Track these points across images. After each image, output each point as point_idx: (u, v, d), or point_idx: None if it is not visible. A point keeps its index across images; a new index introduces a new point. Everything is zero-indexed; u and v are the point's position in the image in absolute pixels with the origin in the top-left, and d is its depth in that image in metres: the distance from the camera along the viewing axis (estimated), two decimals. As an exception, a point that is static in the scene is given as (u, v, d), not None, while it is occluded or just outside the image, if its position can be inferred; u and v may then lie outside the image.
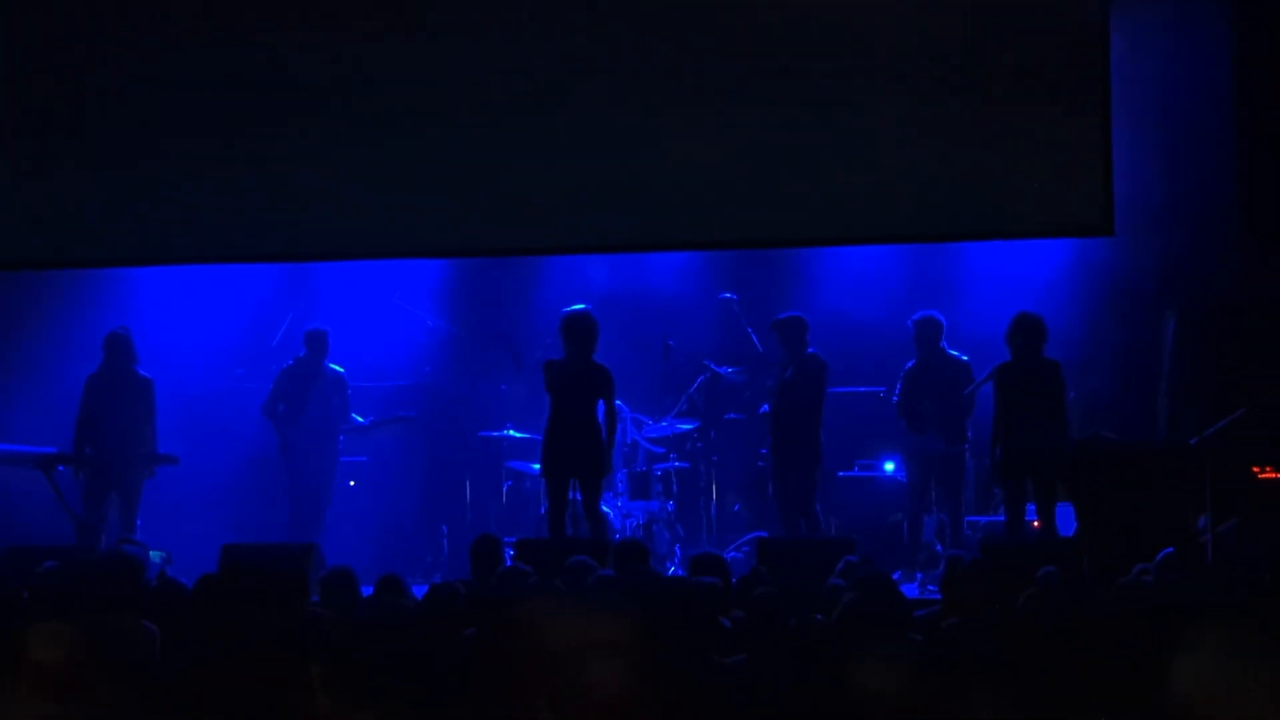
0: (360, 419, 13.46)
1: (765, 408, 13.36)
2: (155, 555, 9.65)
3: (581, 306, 12.96)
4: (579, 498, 12.46)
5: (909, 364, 12.91)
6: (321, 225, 12.91)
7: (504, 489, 14.25)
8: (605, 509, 12.50)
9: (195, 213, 12.89)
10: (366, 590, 8.40)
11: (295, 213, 12.92)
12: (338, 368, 13.48)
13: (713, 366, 13.71)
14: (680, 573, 12.70)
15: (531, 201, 12.47)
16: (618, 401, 12.53)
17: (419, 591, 8.60)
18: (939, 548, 12.79)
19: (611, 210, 12.45)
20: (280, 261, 14.47)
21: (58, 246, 13.35)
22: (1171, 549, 8.19)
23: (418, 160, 12.68)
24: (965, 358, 12.81)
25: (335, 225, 12.89)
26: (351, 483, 14.38)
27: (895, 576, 10.61)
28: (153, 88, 12.90)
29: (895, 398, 13.00)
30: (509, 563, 9.32)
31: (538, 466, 13.64)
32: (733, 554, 12.96)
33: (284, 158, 12.83)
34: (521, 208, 12.50)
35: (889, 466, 13.41)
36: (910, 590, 11.70)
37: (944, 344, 12.81)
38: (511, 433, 14.08)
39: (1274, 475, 12.41)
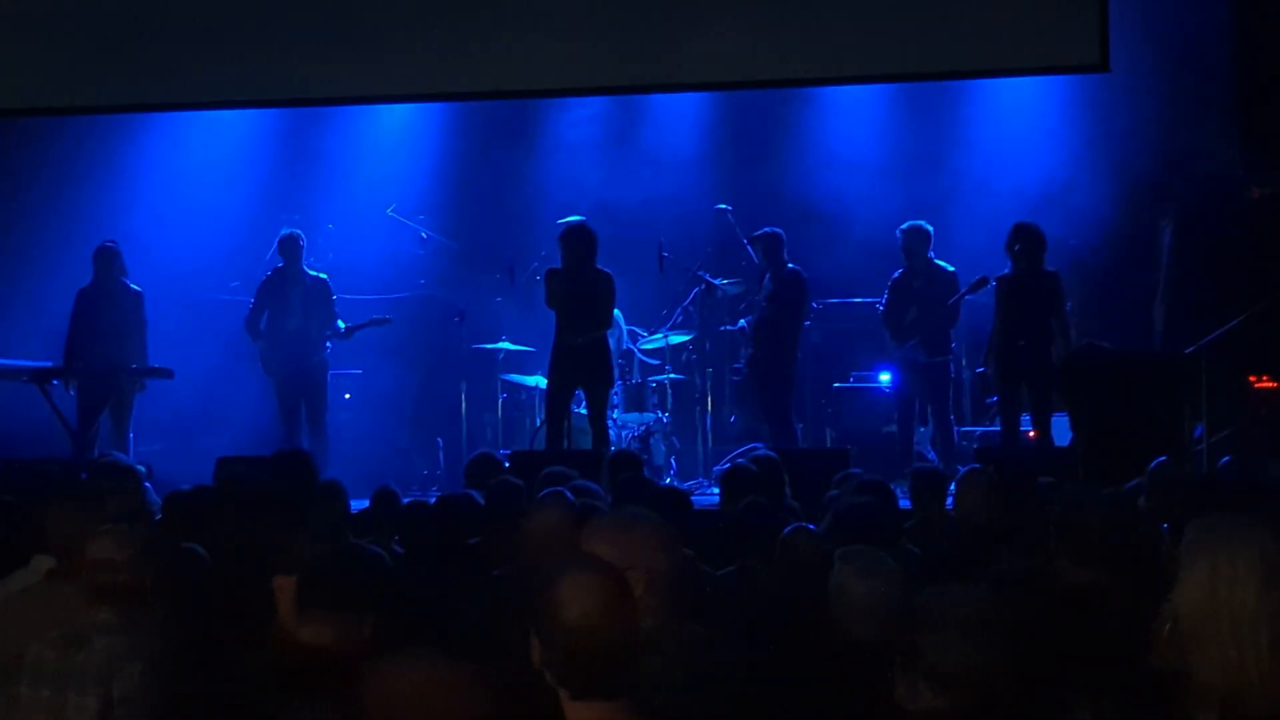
0: (341, 324, 13.31)
1: (743, 323, 13.40)
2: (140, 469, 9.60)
3: (578, 218, 12.92)
4: (576, 410, 12.49)
5: (895, 273, 12.90)
6: (318, 64, 12.56)
7: (499, 402, 14.25)
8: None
9: (189, 53, 12.57)
10: (362, 503, 8.40)
11: (290, 52, 12.53)
12: (320, 274, 13.35)
13: (707, 278, 13.67)
14: (677, 484, 12.74)
15: (529, 41, 12.19)
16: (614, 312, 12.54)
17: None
18: (931, 456, 12.82)
19: (608, 50, 12.24)
20: (269, 106, 14.33)
21: (45, 91, 13.02)
22: (1164, 458, 8.15)
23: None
24: (952, 268, 12.78)
25: (333, 64, 12.55)
26: (346, 395, 14.38)
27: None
28: None
29: (880, 307, 13.01)
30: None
31: (533, 379, 13.66)
32: (728, 465, 12.97)
33: None
34: (519, 47, 12.23)
35: (884, 378, 13.40)
36: (904, 501, 11.72)
37: (931, 254, 12.79)
38: (506, 345, 14.06)
39: (1270, 385, 12.41)
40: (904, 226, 12.82)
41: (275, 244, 13.41)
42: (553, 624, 3.54)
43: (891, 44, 11.89)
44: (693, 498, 9.11)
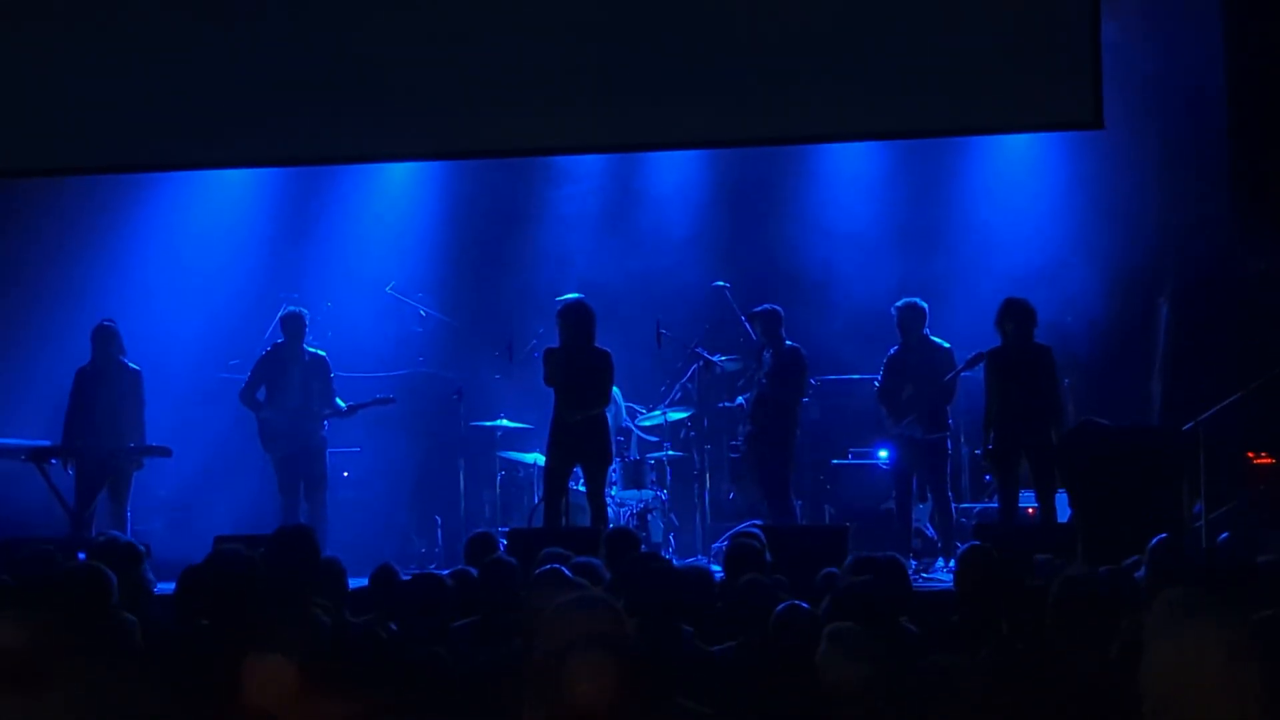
0: (342, 403, 13.36)
1: (742, 399, 13.42)
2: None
3: (576, 295, 12.95)
4: (574, 487, 12.48)
5: (891, 350, 12.93)
6: (316, 124, 12.35)
7: (498, 479, 14.24)
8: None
9: (185, 114, 12.32)
10: (361, 581, 8.38)
11: (289, 112, 12.28)
12: (319, 350, 13.39)
13: (705, 354, 13.71)
14: (676, 562, 12.71)
15: (527, 98, 12.16)
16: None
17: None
18: (931, 533, 12.81)
19: (607, 106, 12.22)
20: (269, 166, 14.32)
21: (40, 151, 12.78)
22: (1165, 535, 8.15)
23: (409, 57, 12.33)
24: (947, 344, 12.82)
25: (331, 125, 12.35)
26: (345, 473, 14.38)
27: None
28: None
29: (877, 384, 13.03)
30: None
31: (531, 457, 13.66)
32: (725, 543, 12.95)
33: (276, 48, 12.26)
34: (517, 105, 12.18)
35: (883, 454, 13.40)
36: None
37: (926, 330, 12.82)
38: (504, 422, 14.07)
39: (1268, 460, 12.41)
40: (899, 304, 12.85)
41: (277, 320, 13.44)
42: (561, 700, 3.54)
43: (886, 102, 11.87)
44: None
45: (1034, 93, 11.65)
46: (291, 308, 13.43)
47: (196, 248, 15.32)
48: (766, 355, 13.08)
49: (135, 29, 12.32)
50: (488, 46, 11.98)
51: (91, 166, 13.30)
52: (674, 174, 15.43)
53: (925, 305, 12.83)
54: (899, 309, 12.82)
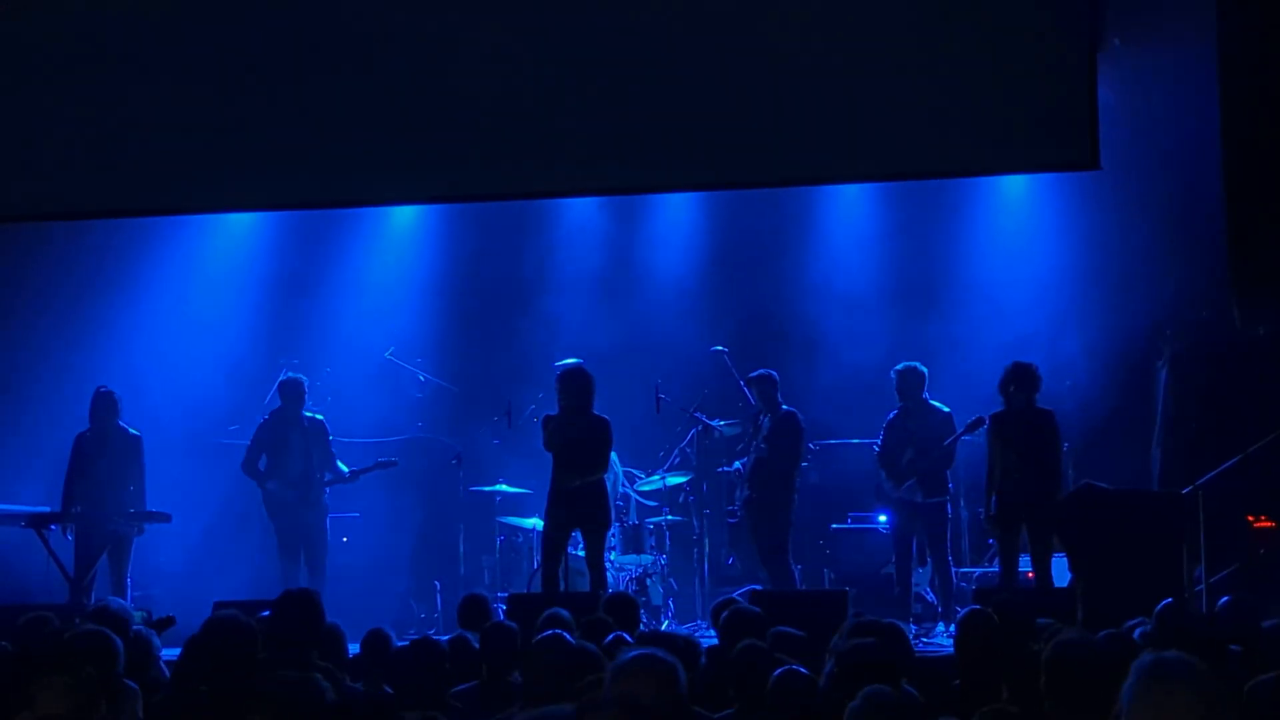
0: (344, 468, 13.39)
1: (739, 464, 13.41)
2: (138, 615, 9.57)
3: (574, 360, 12.97)
4: (573, 552, 12.46)
5: (891, 414, 12.94)
6: (314, 171, 12.31)
7: (497, 544, 14.22)
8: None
9: (180, 159, 12.23)
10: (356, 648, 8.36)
11: (287, 159, 12.28)
12: (317, 415, 13.40)
13: (704, 419, 13.71)
14: (674, 627, 12.69)
15: (524, 143, 12.13)
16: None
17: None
18: (931, 597, 12.77)
19: (600, 152, 12.20)
20: (265, 210, 14.28)
21: (34, 197, 12.67)
22: (1170, 599, 8.16)
23: (409, 102, 12.32)
24: (947, 409, 12.83)
25: (328, 170, 12.30)
26: (344, 539, 14.35)
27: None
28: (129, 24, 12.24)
29: (876, 448, 13.03)
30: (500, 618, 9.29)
31: (530, 522, 13.65)
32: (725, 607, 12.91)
33: (272, 100, 12.19)
34: (513, 150, 12.14)
35: (882, 519, 13.38)
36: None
37: (926, 394, 12.84)
38: (503, 487, 14.06)
39: (1269, 524, 12.40)
40: (898, 368, 12.87)
41: (276, 387, 13.45)
42: None
43: (880, 143, 11.89)
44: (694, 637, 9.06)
45: (1029, 133, 11.67)
46: (291, 374, 13.45)
47: (195, 308, 15.35)
48: (764, 420, 13.09)
49: (122, 71, 12.30)
50: (482, 90, 11.99)
51: (88, 211, 13.17)
52: (672, 233, 15.52)
53: (925, 369, 12.85)
54: (898, 373, 12.83)
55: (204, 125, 12.17)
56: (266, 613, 7.32)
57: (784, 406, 13.08)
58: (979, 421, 12.35)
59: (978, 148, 11.90)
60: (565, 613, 8.12)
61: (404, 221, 15.86)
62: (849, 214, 15.26)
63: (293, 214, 15.30)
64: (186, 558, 14.00)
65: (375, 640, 8.06)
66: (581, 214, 15.72)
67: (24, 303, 15.22)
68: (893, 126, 11.66)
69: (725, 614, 8.34)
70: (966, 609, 8.40)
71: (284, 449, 13.19)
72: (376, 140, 12.10)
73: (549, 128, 11.93)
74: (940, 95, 11.54)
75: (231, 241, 15.50)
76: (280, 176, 12.37)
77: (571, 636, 6.61)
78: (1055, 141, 11.59)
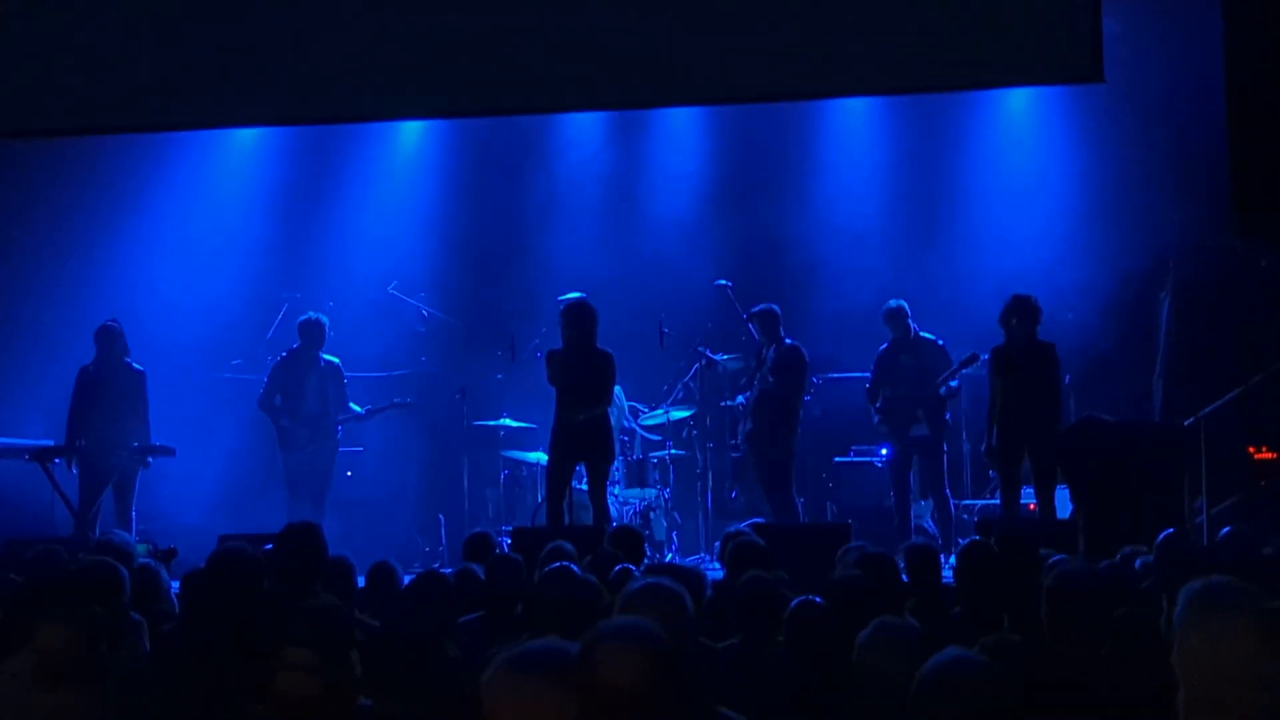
0: (358, 408, 13.47)
1: (742, 398, 13.43)
2: (141, 548, 9.61)
3: (578, 295, 12.96)
4: (577, 486, 12.50)
5: (881, 347, 12.97)
6: (314, 84, 12.14)
7: (501, 478, 14.26)
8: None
9: (185, 73, 12.05)
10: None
11: (287, 73, 12.07)
12: (333, 358, 13.46)
13: (708, 353, 13.72)
14: (678, 560, 12.74)
15: (526, 59, 12.06)
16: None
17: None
18: (932, 529, 12.83)
19: (605, 66, 12.12)
20: (266, 125, 14.25)
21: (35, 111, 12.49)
22: (1171, 530, 8.18)
23: (411, 13, 12.14)
24: (940, 340, 12.87)
25: (330, 84, 12.15)
26: (349, 473, 14.39)
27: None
28: None
29: (868, 383, 13.08)
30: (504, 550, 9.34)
31: (534, 456, 13.68)
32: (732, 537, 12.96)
33: (272, 11, 12.00)
34: (515, 65, 12.08)
35: (884, 452, 13.42)
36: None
37: (914, 327, 12.89)
38: (507, 422, 14.09)
39: (1270, 455, 12.43)
40: (883, 310, 12.94)
41: (296, 326, 13.45)
42: (594, 687, 3.56)
43: (883, 56, 11.79)
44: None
45: (1032, 45, 11.59)
46: (313, 314, 13.46)
47: (196, 237, 15.33)
48: (768, 353, 13.10)
49: None
50: (484, 1, 11.95)
51: (89, 126, 13.02)
52: (673, 164, 15.49)
53: (905, 304, 12.89)
54: (883, 315, 12.91)
55: (206, 36, 12.02)
56: (269, 546, 7.35)
57: (786, 340, 13.09)
58: (973, 358, 12.40)
59: (981, 59, 11.79)
60: (569, 546, 8.16)
61: (406, 152, 15.83)
62: (851, 144, 15.24)
63: (294, 143, 15.32)
64: (190, 492, 14.04)
65: (381, 573, 8.11)
66: (585, 148, 15.69)
67: (25, 231, 15.18)
68: (895, 37, 11.58)
69: (731, 545, 8.38)
70: (966, 540, 8.45)
71: (299, 388, 13.25)
72: (379, 53, 11.99)
73: (550, 39, 11.82)
74: (943, 5, 11.47)
75: (232, 171, 15.52)
76: (281, 91, 12.26)
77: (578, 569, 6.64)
78: (1058, 53, 11.52)
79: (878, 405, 12.97)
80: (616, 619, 3.82)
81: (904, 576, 8.30)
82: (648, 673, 3.55)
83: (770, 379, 12.96)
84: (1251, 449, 12.48)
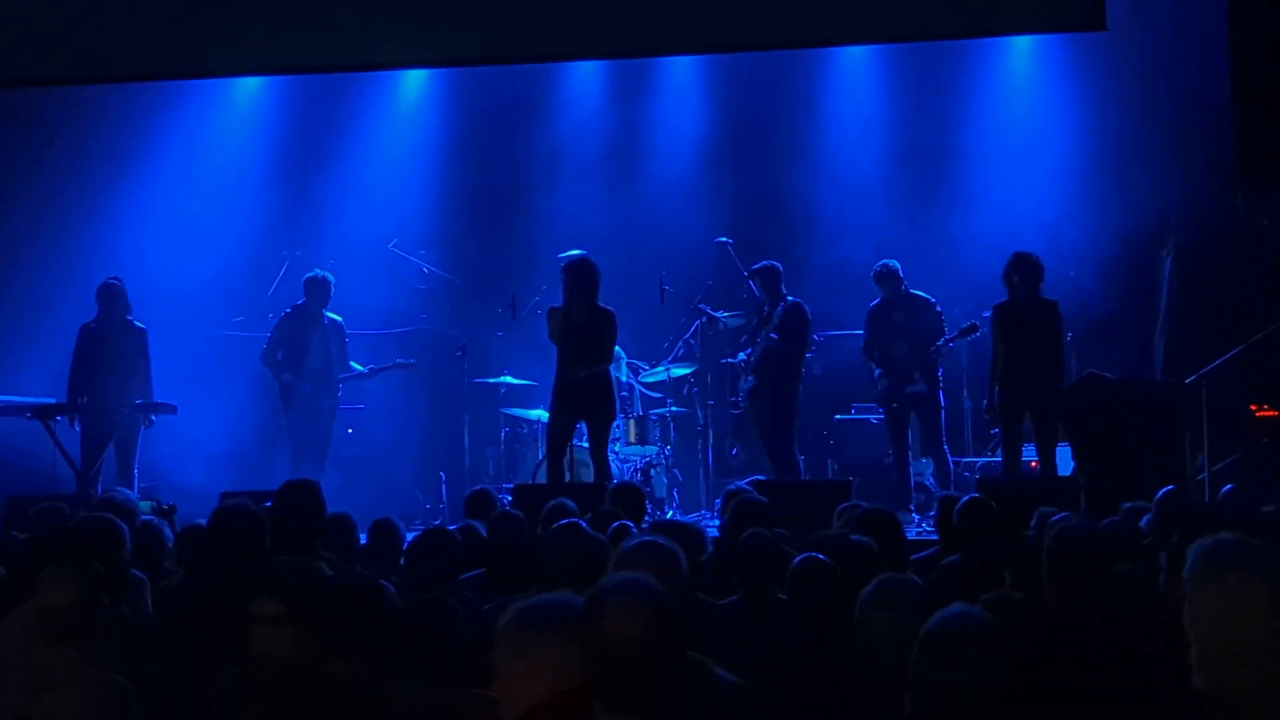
0: (359, 366, 13.48)
1: (743, 355, 13.42)
2: (145, 505, 9.63)
3: (579, 252, 12.94)
4: (577, 444, 12.50)
5: (872, 303, 12.98)
6: (315, 31, 12.12)
7: (501, 435, 14.27)
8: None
9: (184, 19, 12.07)
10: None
11: (289, 18, 12.09)
12: (336, 316, 13.46)
13: (708, 310, 13.71)
14: (679, 517, 12.76)
15: (528, 5, 11.98)
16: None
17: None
18: (932, 486, 12.85)
19: (606, 14, 12.05)
20: (266, 74, 14.24)
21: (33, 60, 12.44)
22: (1172, 486, 8.18)
23: None
24: (931, 298, 12.89)
25: (330, 31, 12.10)
26: (349, 430, 14.40)
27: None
28: None
29: (861, 341, 13.09)
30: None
31: (535, 413, 13.68)
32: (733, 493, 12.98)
33: None
34: (517, 12, 11.99)
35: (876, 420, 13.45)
36: (907, 532, 11.72)
37: (905, 285, 12.90)
38: (508, 379, 14.09)
39: (1271, 413, 12.43)
40: (874, 269, 12.94)
41: (302, 283, 13.45)
42: (597, 640, 3.59)
43: (886, 4, 11.77)
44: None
45: None
46: (319, 271, 13.46)
47: (196, 192, 15.32)
48: (769, 311, 13.09)
49: None
50: None
51: (86, 76, 13.01)
52: (674, 119, 15.47)
53: (895, 264, 12.90)
54: (874, 275, 12.94)
55: None
56: (269, 503, 7.36)
57: (788, 297, 13.08)
58: (972, 328, 12.43)
59: (983, 5, 11.78)
60: (570, 503, 8.17)
61: (407, 108, 15.80)
62: (852, 98, 15.21)
63: (294, 100, 15.28)
64: (192, 450, 14.05)
65: (383, 529, 8.12)
66: (586, 104, 15.65)
67: (24, 187, 15.15)
68: None
69: (733, 503, 8.39)
70: (967, 497, 8.45)
71: (303, 345, 13.27)
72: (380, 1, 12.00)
73: None
74: None
75: (232, 126, 15.50)
76: (282, 37, 12.21)
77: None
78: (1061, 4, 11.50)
79: (875, 359, 12.97)
80: (619, 574, 3.84)
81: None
82: (650, 627, 3.59)
83: (773, 336, 12.96)
84: (1253, 406, 12.47)
